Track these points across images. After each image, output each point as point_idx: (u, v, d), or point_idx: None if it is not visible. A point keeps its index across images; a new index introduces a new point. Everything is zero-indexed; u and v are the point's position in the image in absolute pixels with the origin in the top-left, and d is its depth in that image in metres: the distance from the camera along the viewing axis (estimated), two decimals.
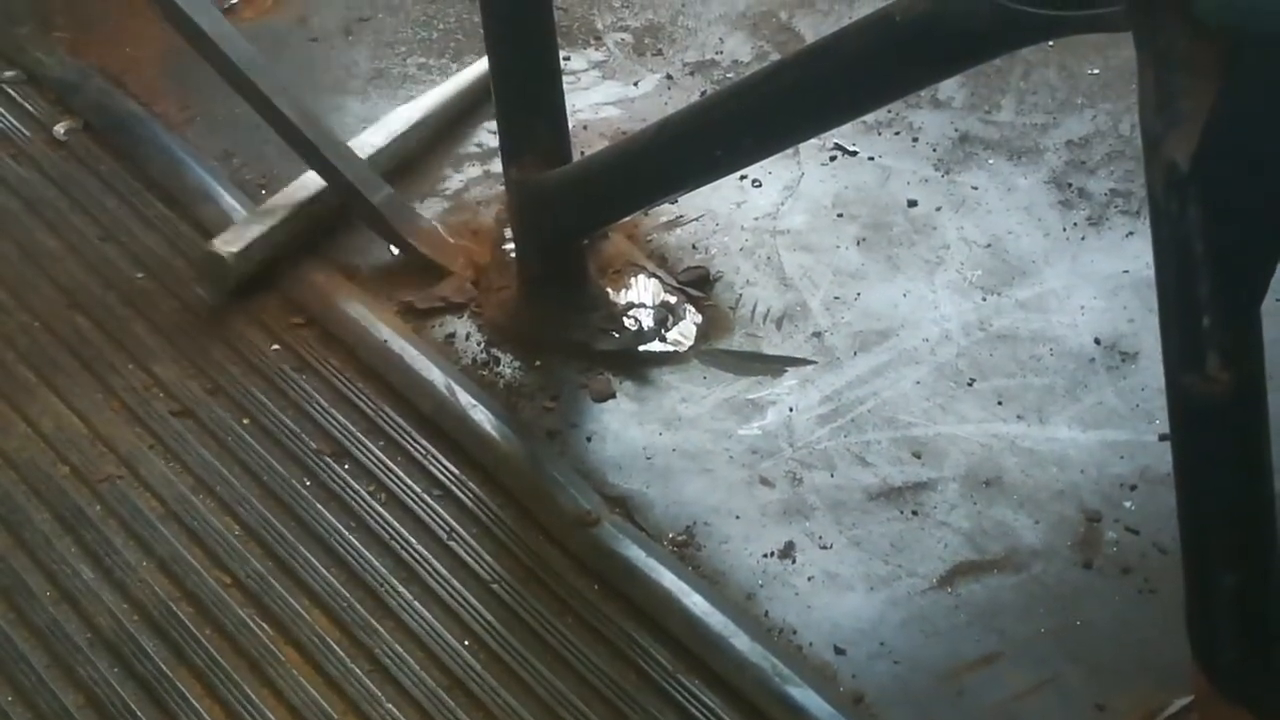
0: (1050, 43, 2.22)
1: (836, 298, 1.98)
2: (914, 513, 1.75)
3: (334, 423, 1.86)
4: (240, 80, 2.11)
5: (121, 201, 2.15)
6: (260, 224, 2.03)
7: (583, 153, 2.02)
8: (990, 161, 2.13)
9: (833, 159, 2.15)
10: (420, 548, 1.74)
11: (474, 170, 2.17)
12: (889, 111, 2.19)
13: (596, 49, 2.35)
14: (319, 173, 2.06)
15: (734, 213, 2.09)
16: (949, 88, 2.22)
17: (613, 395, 1.88)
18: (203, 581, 1.72)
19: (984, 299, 1.96)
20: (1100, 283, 1.97)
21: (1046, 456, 1.79)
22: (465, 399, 1.87)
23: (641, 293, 1.97)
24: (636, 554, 1.71)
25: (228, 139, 2.22)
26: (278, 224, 2.03)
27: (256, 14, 2.42)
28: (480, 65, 2.25)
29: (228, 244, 2.00)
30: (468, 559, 1.73)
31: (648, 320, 1.94)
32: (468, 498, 1.78)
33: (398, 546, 1.74)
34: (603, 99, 2.27)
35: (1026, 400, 1.85)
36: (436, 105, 2.21)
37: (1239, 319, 1.20)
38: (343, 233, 2.09)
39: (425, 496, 1.79)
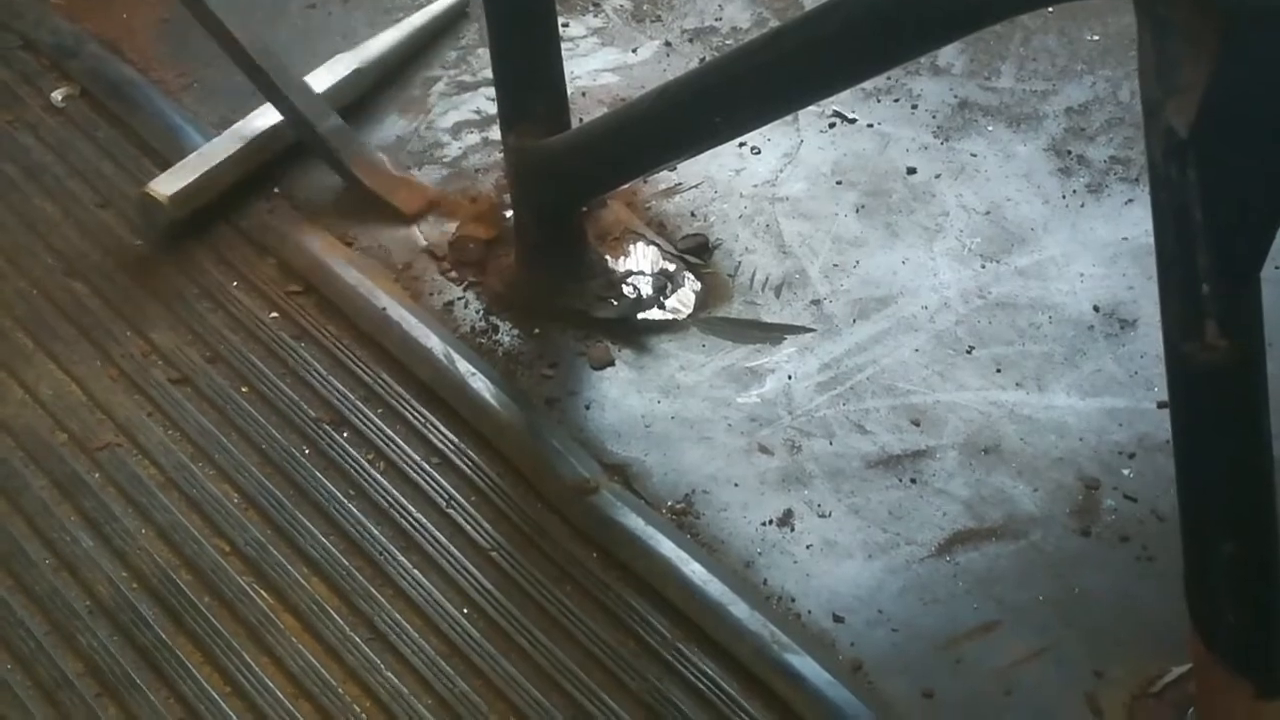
0: (1050, 9, 2.21)
1: (835, 265, 1.97)
2: (913, 480, 1.75)
3: (332, 390, 1.86)
4: (201, 11, 2.12)
5: (119, 167, 2.14)
6: (203, 165, 2.04)
7: (581, 120, 2.02)
8: (990, 129, 2.13)
9: (832, 126, 2.14)
10: (419, 515, 1.74)
11: (472, 137, 2.16)
12: (888, 78, 2.18)
13: (595, 15, 2.34)
14: (270, 100, 2.08)
15: (733, 180, 2.08)
16: (948, 54, 2.21)
17: (611, 363, 1.88)
18: (202, 549, 1.72)
19: (983, 266, 1.96)
20: (1099, 250, 1.97)
21: (1045, 424, 1.79)
22: (464, 367, 1.87)
23: (640, 260, 1.97)
24: (635, 522, 1.71)
25: (225, 104, 2.21)
26: (221, 164, 2.05)
27: None
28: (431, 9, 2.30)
29: (165, 185, 2.02)
30: (466, 527, 1.73)
31: (646, 288, 1.94)
32: (466, 465, 1.78)
33: (396, 514, 1.74)
34: (601, 66, 2.26)
35: (1025, 368, 1.85)
36: (385, 47, 2.24)
37: (1238, 286, 1.20)
38: (340, 201, 2.08)
39: (424, 464, 1.79)
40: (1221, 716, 1.39)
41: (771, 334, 1.91)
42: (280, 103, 2.07)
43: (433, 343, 1.90)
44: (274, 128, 2.10)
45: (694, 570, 1.66)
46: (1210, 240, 1.17)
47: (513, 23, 1.84)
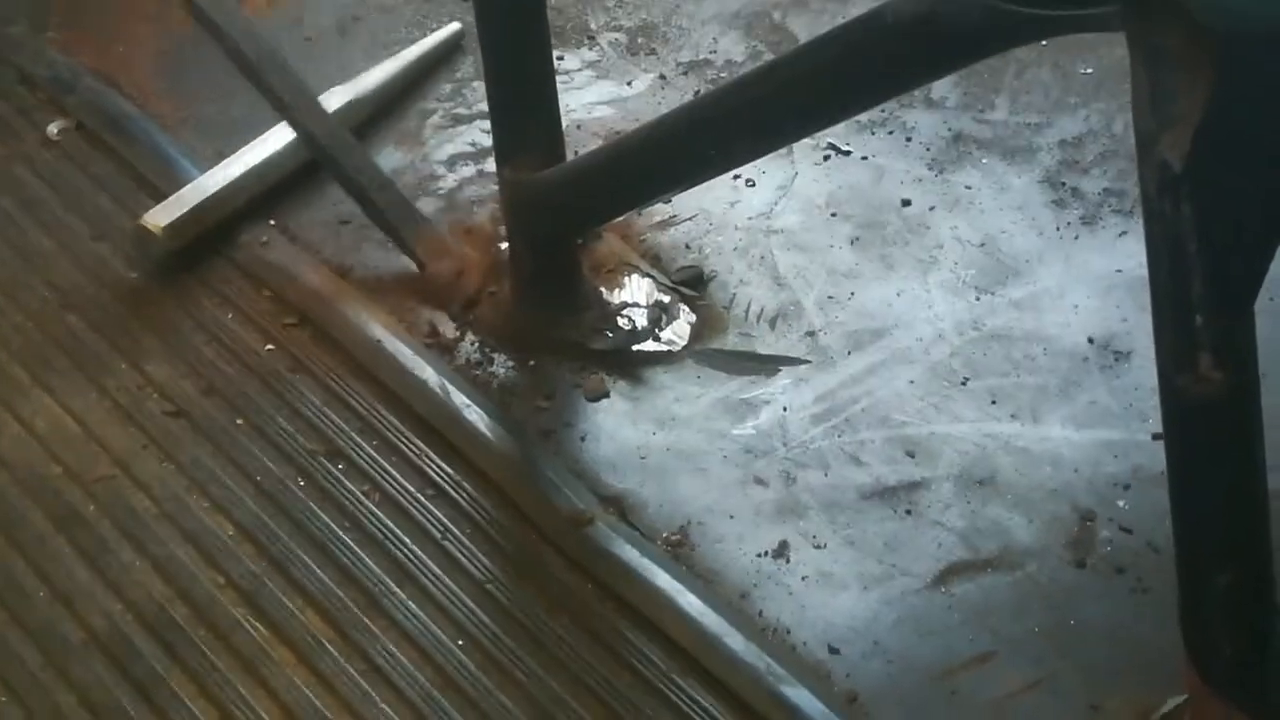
0: (1044, 42, 2.22)
1: (830, 297, 1.98)
2: (908, 512, 1.75)
3: (328, 423, 1.86)
4: (246, 66, 2.13)
5: (115, 201, 2.15)
6: (197, 197, 2.05)
7: (576, 152, 2.02)
8: (984, 161, 2.13)
9: (826, 158, 2.15)
10: (414, 547, 1.74)
11: (468, 170, 2.17)
12: (882, 111, 2.18)
13: (590, 48, 2.35)
14: (327, 168, 2.08)
15: (728, 212, 2.09)
16: (942, 87, 2.22)
17: (606, 395, 1.89)
18: (197, 582, 1.72)
19: (977, 298, 1.96)
20: (1093, 282, 1.97)
21: (1040, 456, 1.79)
22: (459, 399, 1.87)
23: (635, 292, 1.97)
24: (631, 554, 1.71)
25: (221, 139, 2.21)
26: (215, 196, 2.06)
27: (252, 12, 2.41)
28: (426, 41, 2.30)
29: (158, 218, 2.02)
30: (462, 559, 1.73)
31: (641, 320, 1.94)
32: (461, 497, 1.78)
33: (392, 546, 1.74)
34: (596, 98, 2.26)
35: (1020, 399, 1.85)
36: (380, 79, 2.25)
37: (1232, 318, 1.20)
38: (337, 233, 2.09)
39: (419, 496, 1.79)
40: None
41: (766, 366, 1.91)
42: (338, 173, 2.07)
43: (428, 375, 1.90)
44: (269, 160, 2.10)
45: (689, 602, 1.66)
46: (1204, 272, 1.17)
47: (509, 55, 1.84)
